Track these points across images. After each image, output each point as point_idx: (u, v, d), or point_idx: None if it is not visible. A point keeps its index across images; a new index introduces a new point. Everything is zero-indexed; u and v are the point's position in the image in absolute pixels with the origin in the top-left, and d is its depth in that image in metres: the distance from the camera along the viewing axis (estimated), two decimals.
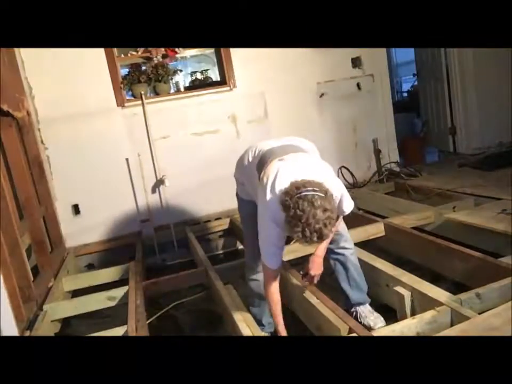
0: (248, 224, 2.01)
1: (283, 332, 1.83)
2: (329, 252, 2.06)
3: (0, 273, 1.86)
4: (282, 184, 1.58)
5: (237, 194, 2.13)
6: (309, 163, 1.72)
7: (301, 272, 2.09)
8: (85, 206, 3.61)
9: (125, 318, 2.13)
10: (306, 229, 1.42)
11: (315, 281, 1.99)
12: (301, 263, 2.82)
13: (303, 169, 1.63)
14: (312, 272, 1.96)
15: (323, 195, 1.46)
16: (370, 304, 2.13)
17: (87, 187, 3.58)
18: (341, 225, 2.06)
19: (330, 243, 2.02)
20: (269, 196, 1.63)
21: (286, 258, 2.60)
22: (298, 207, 1.42)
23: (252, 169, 1.85)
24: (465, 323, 1.60)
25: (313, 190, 1.45)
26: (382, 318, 2.05)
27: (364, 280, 2.12)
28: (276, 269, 1.75)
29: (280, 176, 1.63)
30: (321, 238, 1.45)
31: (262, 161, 1.79)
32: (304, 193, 1.44)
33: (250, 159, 1.91)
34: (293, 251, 2.64)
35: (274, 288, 1.79)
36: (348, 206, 1.80)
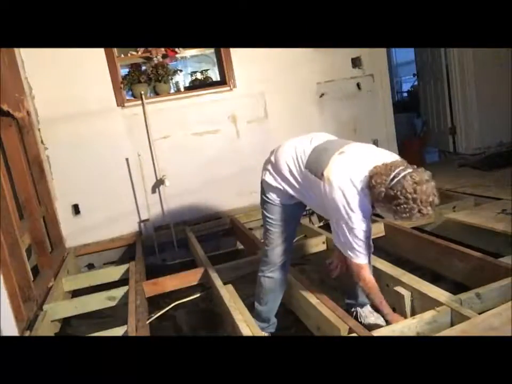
0: (282, 224, 1.93)
1: (398, 317, 1.81)
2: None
3: (0, 273, 1.86)
4: (359, 176, 1.56)
5: (268, 200, 1.93)
6: (367, 149, 1.70)
7: (327, 261, 2.10)
8: (85, 206, 3.61)
9: (125, 318, 2.14)
10: (422, 207, 1.43)
11: (338, 271, 2.01)
12: (301, 263, 2.83)
13: (369, 156, 1.62)
14: (337, 260, 1.98)
15: (411, 169, 1.47)
16: (371, 305, 2.12)
17: (87, 187, 3.58)
18: None
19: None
20: (349, 191, 1.58)
21: None
22: (406, 191, 1.42)
23: (300, 171, 1.76)
24: (465, 323, 1.60)
25: (404, 169, 1.46)
26: (382, 319, 2.04)
27: None
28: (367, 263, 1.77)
29: (352, 168, 1.60)
30: (433, 207, 1.47)
31: (315, 161, 1.70)
32: (397, 177, 1.45)
33: (297, 161, 1.78)
34: (293, 251, 2.64)
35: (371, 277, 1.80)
36: None
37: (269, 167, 1.91)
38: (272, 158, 1.90)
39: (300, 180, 1.77)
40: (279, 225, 1.93)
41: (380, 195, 1.48)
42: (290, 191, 1.83)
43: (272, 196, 1.90)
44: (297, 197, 1.84)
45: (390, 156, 1.64)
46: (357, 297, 2.09)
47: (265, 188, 1.94)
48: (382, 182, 1.47)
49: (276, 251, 1.96)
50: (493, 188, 3.26)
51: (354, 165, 1.60)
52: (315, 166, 1.69)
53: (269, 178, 1.89)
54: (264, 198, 1.95)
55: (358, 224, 1.62)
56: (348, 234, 1.65)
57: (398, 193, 1.43)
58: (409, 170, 1.47)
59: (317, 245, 2.80)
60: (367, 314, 2.07)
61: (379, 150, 1.72)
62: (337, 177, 1.60)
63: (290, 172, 1.80)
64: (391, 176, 1.45)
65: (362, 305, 2.10)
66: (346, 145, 1.71)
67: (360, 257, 1.70)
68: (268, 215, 1.95)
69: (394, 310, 2.06)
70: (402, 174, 1.44)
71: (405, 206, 1.44)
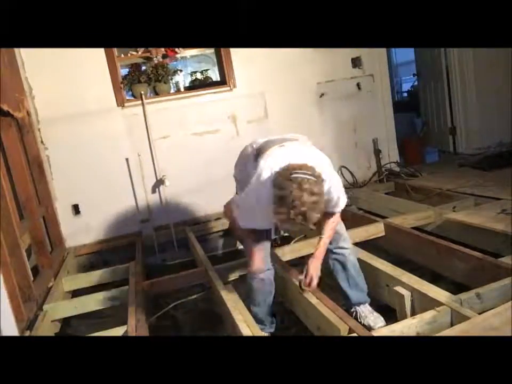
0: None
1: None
2: (328, 251, 2.06)
3: (0, 273, 1.86)
4: (278, 165, 1.61)
5: (237, 194, 2.14)
6: (308, 151, 1.80)
7: (299, 277, 2.05)
8: (85, 206, 3.61)
9: (125, 318, 2.13)
10: (292, 211, 1.46)
11: (314, 285, 1.97)
12: (301, 263, 2.83)
13: (301, 154, 1.69)
14: (309, 276, 1.95)
15: (314, 179, 1.49)
16: (370, 304, 2.12)
17: (87, 187, 3.58)
18: (340, 225, 2.06)
19: (329, 243, 2.02)
20: (264, 175, 1.68)
21: (286, 258, 2.60)
22: (286, 188, 1.46)
23: (251, 160, 1.89)
24: (465, 323, 1.60)
25: (305, 173, 1.49)
26: (382, 318, 2.05)
27: (363, 280, 2.12)
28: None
29: (278, 158, 1.68)
30: (305, 220, 1.48)
31: (260, 150, 1.84)
32: (294, 175, 1.48)
33: (249, 152, 1.96)
34: (293, 251, 2.64)
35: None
36: (342, 201, 1.84)
37: (236, 160, 2.11)
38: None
39: (250, 170, 1.88)
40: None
41: (274, 182, 1.54)
42: (247, 180, 1.93)
43: (238, 187, 2.10)
44: None
45: (323, 166, 1.70)
46: (347, 296, 2.11)
47: (235, 179, 2.18)
48: (283, 174, 1.52)
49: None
50: (493, 188, 3.25)
51: (281, 156, 1.68)
52: (257, 155, 1.83)
53: (235, 171, 2.13)
54: None
55: (245, 205, 1.79)
56: (243, 210, 1.82)
57: (281, 185, 1.49)
58: (310, 178, 1.49)
59: (316, 245, 2.79)
60: (367, 314, 2.07)
61: (319, 159, 1.77)
62: (264, 163, 1.72)
63: (246, 161, 1.96)
64: (291, 172, 1.49)
65: (359, 304, 2.10)
66: (292, 141, 1.85)
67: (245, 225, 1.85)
68: None
69: (394, 310, 2.06)
70: (298, 175, 1.48)
71: (279, 201, 1.48)
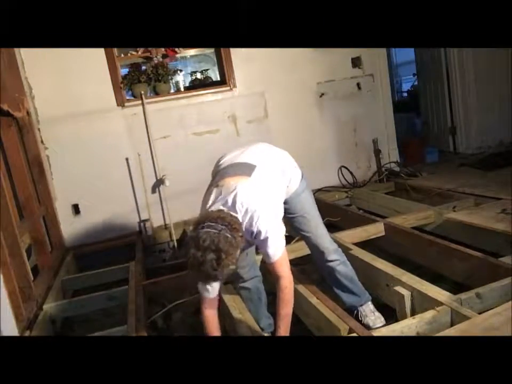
0: None
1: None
2: (318, 266, 2.08)
3: (0, 273, 1.86)
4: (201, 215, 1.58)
5: None
6: (245, 192, 1.57)
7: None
8: (85, 206, 3.61)
9: (125, 318, 2.13)
10: (192, 268, 1.42)
11: None
12: (301, 263, 2.82)
13: (231, 198, 1.55)
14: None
15: (219, 232, 1.39)
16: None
17: (87, 187, 3.58)
18: (321, 238, 1.97)
19: (318, 257, 2.02)
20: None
21: None
22: (188, 245, 1.43)
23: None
24: (465, 323, 1.60)
25: (211, 227, 1.40)
26: (382, 318, 2.04)
27: (357, 284, 2.08)
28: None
29: (206, 204, 1.62)
30: (208, 278, 1.45)
31: (213, 179, 1.77)
32: (199, 229, 1.42)
33: (213, 170, 1.89)
34: (293, 251, 2.64)
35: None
36: (273, 251, 1.58)
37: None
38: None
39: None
40: None
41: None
42: None
43: None
44: None
45: (258, 210, 1.53)
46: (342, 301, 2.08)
47: None
48: (195, 226, 1.47)
49: (242, 270, 1.97)
50: (493, 188, 3.25)
51: (209, 202, 1.61)
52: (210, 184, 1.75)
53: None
54: None
55: None
56: None
57: (188, 242, 1.46)
58: (215, 231, 1.39)
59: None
60: (368, 313, 2.07)
61: (255, 200, 1.57)
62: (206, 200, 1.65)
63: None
64: (200, 225, 1.44)
65: (362, 304, 2.09)
66: (232, 177, 1.64)
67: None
68: None
69: (394, 310, 2.06)
70: (202, 230, 1.41)
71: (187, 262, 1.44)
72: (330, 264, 2.01)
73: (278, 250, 1.60)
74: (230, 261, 1.40)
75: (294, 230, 2.02)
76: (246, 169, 1.68)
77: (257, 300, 2.06)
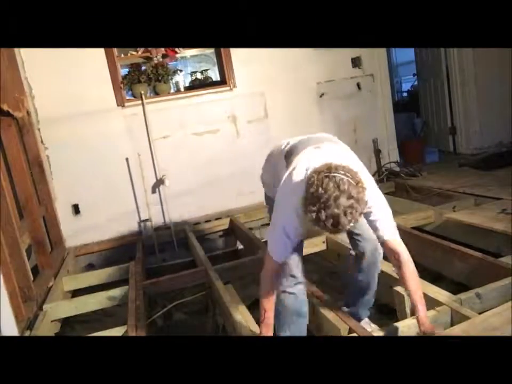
0: None
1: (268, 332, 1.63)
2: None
3: (0, 273, 1.86)
4: (314, 165, 1.43)
5: (267, 197, 1.93)
6: (348, 155, 1.63)
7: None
8: (85, 206, 3.61)
9: (125, 318, 2.13)
10: (322, 211, 1.27)
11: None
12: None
13: (340, 157, 1.50)
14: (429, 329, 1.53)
15: (353, 182, 1.31)
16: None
17: (87, 187, 3.58)
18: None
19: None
20: (297, 177, 1.49)
21: None
22: (322, 185, 1.28)
23: (280, 161, 1.69)
24: (465, 323, 1.60)
25: (345, 175, 1.31)
26: (378, 331, 2.00)
27: (373, 298, 1.97)
28: (279, 263, 1.57)
29: (314, 159, 1.49)
30: (336, 225, 1.29)
31: (292, 151, 1.65)
32: (333, 174, 1.30)
33: (278, 153, 1.76)
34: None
35: (273, 285, 1.60)
36: (389, 224, 1.53)
37: (264, 164, 1.94)
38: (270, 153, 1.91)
39: (279, 171, 1.69)
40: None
41: (308, 179, 1.36)
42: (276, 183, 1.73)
43: (269, 192, 1.88)
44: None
45: (364, 175, 1.49)
46: (356, 308, 1.94)
47: (262, 184, 1.97)
48: (319, 170, 1.34)
49: (296, 269, 1.68)
50: (493, 188, 3.25)
51: (318, 157, 1.50)
52: (288, 156, 1.65)
53: (263, 174, 1.94)
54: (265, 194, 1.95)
55: (288, 216, 1.50)
56: (275, 220, 1.58)
57: (315, 182, 1.31)
58: (350, 180, 1.30)
59: (317, 244, 2.80)
60: (365, 326, 2.02)
61: (351, 156, 1.66)
62: (296, 163, 1.54)
63: (275, 163, 1.78)
64: (330, 170, 1.32)
65: (359, 320, 1.95)
66: (329, 142, 1.68)
67: (274, 249, 1.56)
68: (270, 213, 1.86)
69: (394, 310, 2.06)
70: (337, 175, 1.30)
71: (310, 198, 1.30)
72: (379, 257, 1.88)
73: (393, 223, 1.56)
74: (356, 217, 1.31)
75: None
76: (333, 139, 1.75)
77: (301, 312, 1.73)
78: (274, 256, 1.56)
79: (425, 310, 1.56)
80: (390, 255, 1.62)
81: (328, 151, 1.59)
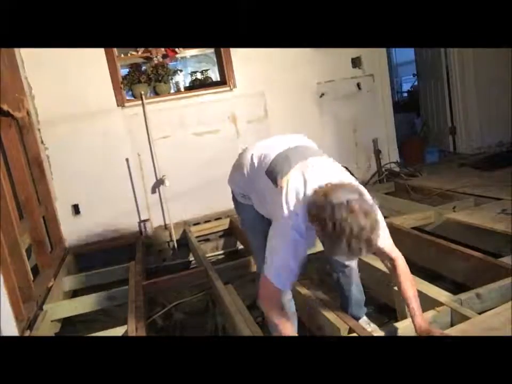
0: (255, 231, 1.80)
1: None
2: (337, 266, 1.90)
3: (0, 273, 1.86)
4: (310, 191, 1.38)
5: (234, 199, 1.92)
6: (336, 168, 1.55)
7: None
8: (85, 206, 3.61)
9: (125, 318, 2.13)
10: (353, 241, 1.19)
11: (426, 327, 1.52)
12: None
13: (331, 174, 1.45)
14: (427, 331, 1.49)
15: (357, 197, 1.24)
16: (371, 305, 2.10)
17: (87, 187, 3.58)
18: None
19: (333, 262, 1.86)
20: (293, 203, 1.41)
21: None
22: (336, 218, 1.20)
23: (260, 176, 1.60)
24: (465, 323, 1.60)
25: (345, 193, 1.25)
26: (378, 330, 2.01)
27: (363, 295, 2.01)
28: (281, 291, 1.46)
29: (307, 182, 1.42)
30: (370, 247, 1.23)
31: (276, 167, 1.54)
32: (335, 200, 1.22)
33: (256, 165, 1.66)
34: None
35: (280, 312, 1.50)
36: (384, 231, 1.45)
37: (233, 169, 1.87)
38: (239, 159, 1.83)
39: (260, 186, 1.62)
40: (253, 229, 1.81)
41: (313, 216, 1.29)
42: (253, 196, 1.72)
43: (237, 196, 1.85)
44: (253, 201, 1.74)
45: (347, 177, 1.51)
46: (346, 310, 1.96)
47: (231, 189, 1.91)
48: (319, 203, 1.26)
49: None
50: (493, 188, 3.25)
51: (310, 179, 1.43)
52: (273, 173, 1.54)
53: (231, 181, 1.89)
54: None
55: (292, 241, 1.40)
56: (277, 248, 1.44)
57: (327, 218, 1.22)
58: (354, 196, 1.24)
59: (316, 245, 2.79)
60: (364, 326, 2.03)
61: (340, 169, 1.58)
62: (289, 187, 1.44)
63: (251, 176, 1.68)
64: (330, 198, 1.24)
65: (357, 319, 1.96)
66: (314, 157, 1.57)
67: (277, 277, 1.42)
68: (240, 215, 1.91)
69: (394, 310, 2.06)
70: (341, 199, 1.22)
71: (332, 236, 1.22)
72: (348, 269, 1.91)
73: (386, 230, 1.52)
74: (378, 229, 1.25)
75: None
76: (313, 150, 1.66)
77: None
78: (279, 284, 1.43)
79: (421, 312, 1.54)
80: (383, 259, 1.62)
81: (318, 169, 1.50)
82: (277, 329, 1.49)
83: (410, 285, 1.55)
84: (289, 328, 1.49)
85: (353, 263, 1.91)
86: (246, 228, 1.93)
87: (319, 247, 1.87)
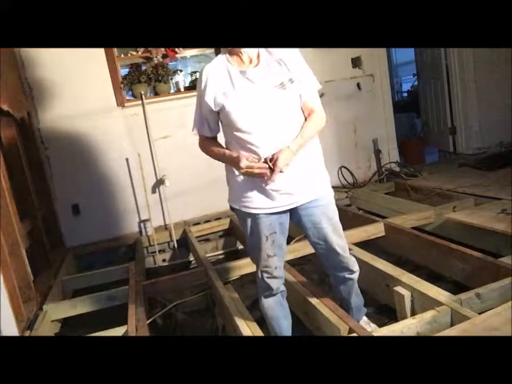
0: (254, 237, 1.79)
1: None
2: (338, 278, 1.89)
3: (0, 273, 1.86)
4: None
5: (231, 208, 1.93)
6: None
7: (265, 158, 1.62)
8: (84, 206, 3.61)
9: (125, 318, 2.14)
10: None
11: (275, 174, 1.59)
12: (301, 263, 2.83)
13: None
14: (279, 162, 1.57)
15: None
16: (371, 305, 2.10)
17: (87, 187, 3.58)
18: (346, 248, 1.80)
19: (341, 270, 1.83)
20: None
21: (286, 258, 2.60)
22: None
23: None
24: (465, 323, 1.60)
25: None
26: (378, 330, 2.01)
27: (362, 298, 2.01)
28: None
29: None
30: None
31: None
32: None
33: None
34: (293, 251, 2.64)
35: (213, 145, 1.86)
36: (313, 81, 1.87)
37: None
38: None
39: None
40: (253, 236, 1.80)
41: None
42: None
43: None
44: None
45: None
46: (348, 311, 1.96)
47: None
48: None
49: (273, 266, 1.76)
50: (493, 188, 3.25)
51: None
52: None
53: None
54: None
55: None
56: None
57: None
58: None
59: None
60: (364, 326, 2.03)
61: None
62: None
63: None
64: None
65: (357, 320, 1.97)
66: None
67: (194, 127, 1.94)
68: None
69: (394, 310, 2.06)
70: None
71: None
72: (352, 275, 1.88)
73: (316, 83, 1.85)
74: None
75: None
76: None
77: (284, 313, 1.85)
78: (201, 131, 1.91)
79: (296, 148, 1.68)
80: (306, 114, 1.80)
81: None
82: (218, 158, 1.85)
83: (310, 124, 1.82)
84: (227, 151, 1.77)
85: (355, 275, 1.87)
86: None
87: None
